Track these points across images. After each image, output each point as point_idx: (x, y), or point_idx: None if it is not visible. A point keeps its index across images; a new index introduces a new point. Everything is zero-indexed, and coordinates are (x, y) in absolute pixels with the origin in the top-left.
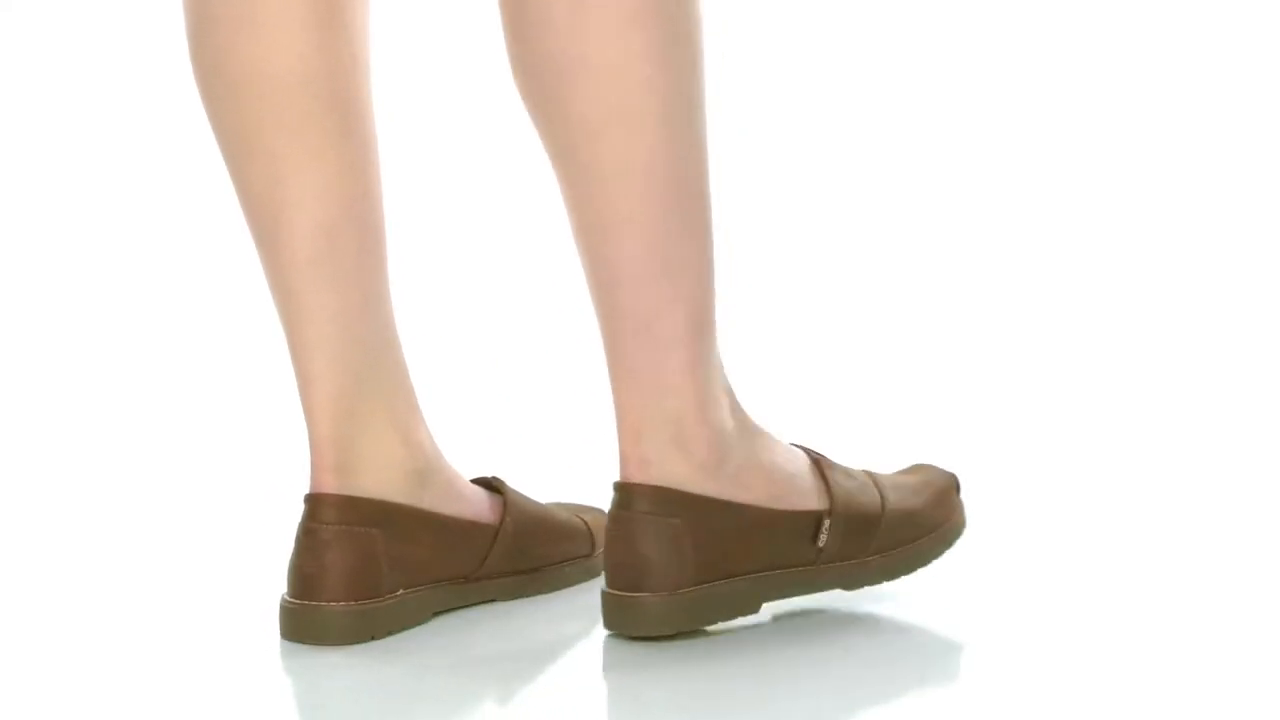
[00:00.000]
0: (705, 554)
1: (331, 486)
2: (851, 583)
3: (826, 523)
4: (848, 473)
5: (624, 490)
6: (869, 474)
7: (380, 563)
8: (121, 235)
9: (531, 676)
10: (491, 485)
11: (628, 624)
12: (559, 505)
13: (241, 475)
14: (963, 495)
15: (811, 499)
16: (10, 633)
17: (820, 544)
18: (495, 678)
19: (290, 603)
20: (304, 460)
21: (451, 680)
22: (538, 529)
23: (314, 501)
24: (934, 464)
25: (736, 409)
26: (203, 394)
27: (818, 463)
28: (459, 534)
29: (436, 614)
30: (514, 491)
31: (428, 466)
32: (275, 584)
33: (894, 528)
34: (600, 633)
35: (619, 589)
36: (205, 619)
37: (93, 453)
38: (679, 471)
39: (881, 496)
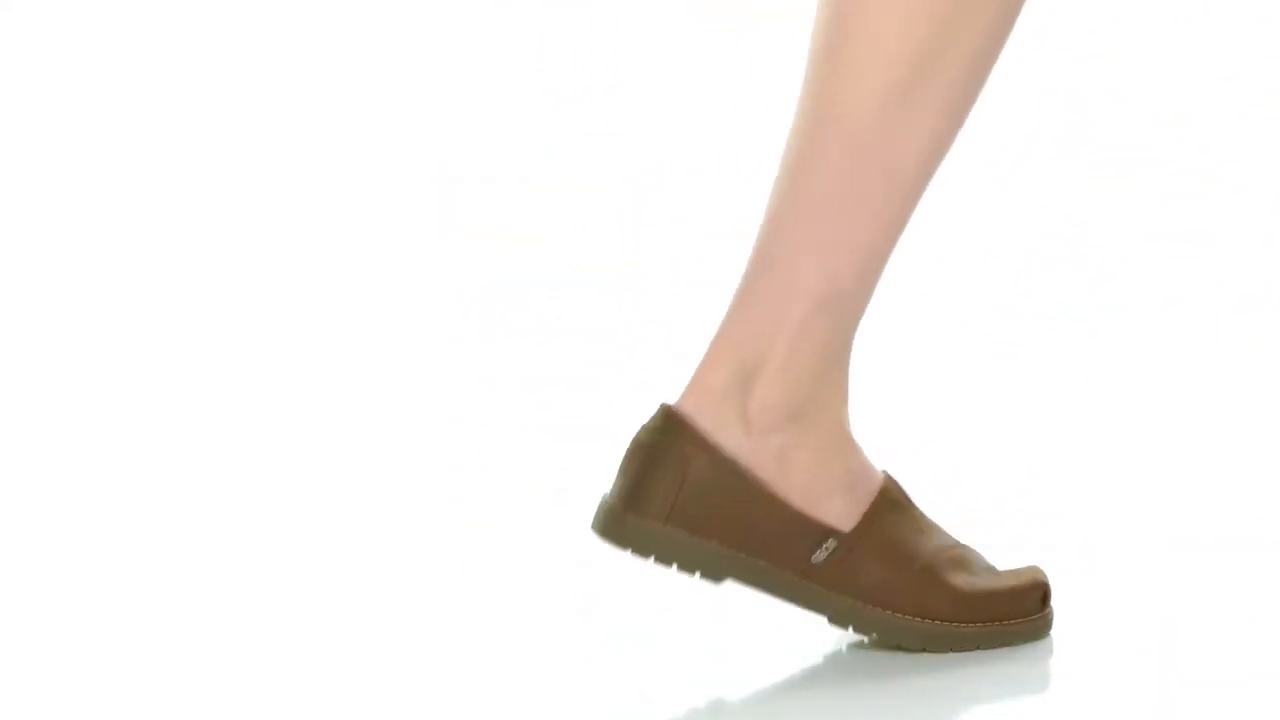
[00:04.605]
0: (696, 507)
1: None
2: (840, 619)
3: (831, 542)
4: (917, 523)
5: (663, 413)
6: (960, 546)
7: None
8: (121, 235)
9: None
10: None
11: (604, 527)
12: None
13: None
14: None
15: (842, 518)
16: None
17: (815, 559)
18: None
19: None
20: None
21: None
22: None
23: None
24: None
25: (829, 406)
26: (202, 394)
27: (887, 493)
28: None
29: None
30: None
31: None
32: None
33: (917, 592)
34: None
35: (614, 497)
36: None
37: (95, 454)
38: (728, 416)
39: (932, 559)
